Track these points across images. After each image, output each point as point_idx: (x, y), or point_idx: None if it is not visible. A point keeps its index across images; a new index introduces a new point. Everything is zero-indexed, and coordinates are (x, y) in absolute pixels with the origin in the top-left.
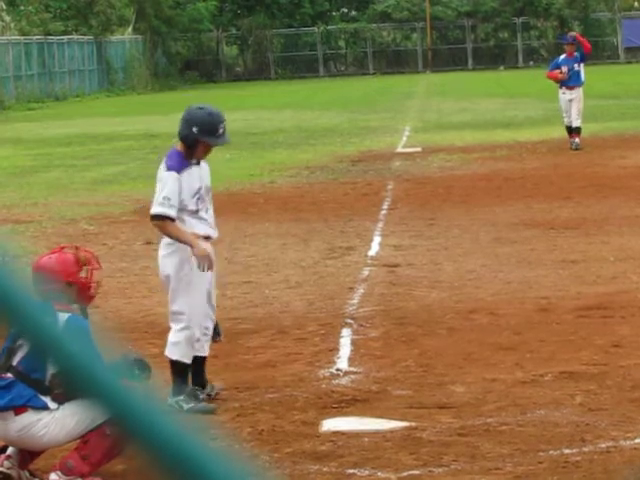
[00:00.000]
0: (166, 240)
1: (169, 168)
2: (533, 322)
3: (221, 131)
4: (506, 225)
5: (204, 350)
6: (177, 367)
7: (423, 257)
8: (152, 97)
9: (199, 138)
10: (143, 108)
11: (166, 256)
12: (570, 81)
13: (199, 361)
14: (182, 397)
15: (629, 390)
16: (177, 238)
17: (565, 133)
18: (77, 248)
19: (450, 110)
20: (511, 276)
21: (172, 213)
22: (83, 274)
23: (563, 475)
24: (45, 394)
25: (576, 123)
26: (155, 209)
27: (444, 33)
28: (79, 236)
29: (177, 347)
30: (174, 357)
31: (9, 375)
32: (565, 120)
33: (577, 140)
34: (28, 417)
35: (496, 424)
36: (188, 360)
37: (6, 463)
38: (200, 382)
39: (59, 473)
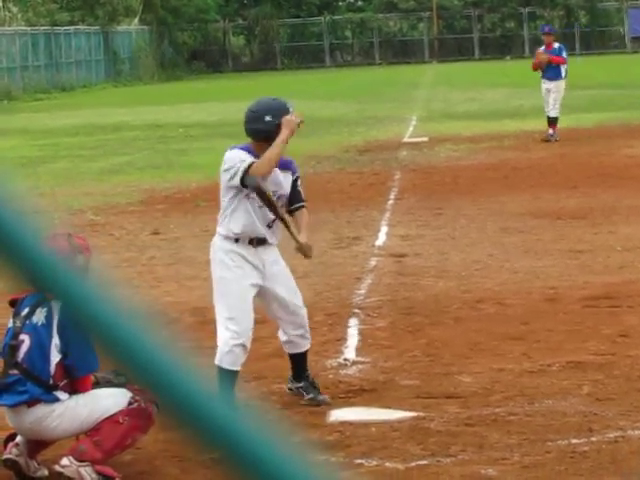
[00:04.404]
0: (212, 240)
1: (234, 147)
2: (540, 312)
3: (292, 110)
4: (513, 215)
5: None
6: (220, 373)
7: (430, 247)
8: (159, 87)
9: (277, 122)
10: (150, 98)
11: (211, 256)
12: (548, 73)
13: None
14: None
15: (637, 380)
16: (276, 153)
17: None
18: (70, 235)
19: (457, 100)
20: (518, 266)
21: (247, 163)
22: (78, 262)
23: (571, 465)
24: (52, 390)
25: (552, 113)
26: (239, 176)
27: (450, 23)
28: (86, 226)
29: (218, 352)
30: (216, 362)
31: (16, 372)
32: (545, 109)
33: (551, 131)
34: (41, 409)
35: (504, 414)
36: (229, 367)
37: (14, 451)
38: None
39: (71, 458)
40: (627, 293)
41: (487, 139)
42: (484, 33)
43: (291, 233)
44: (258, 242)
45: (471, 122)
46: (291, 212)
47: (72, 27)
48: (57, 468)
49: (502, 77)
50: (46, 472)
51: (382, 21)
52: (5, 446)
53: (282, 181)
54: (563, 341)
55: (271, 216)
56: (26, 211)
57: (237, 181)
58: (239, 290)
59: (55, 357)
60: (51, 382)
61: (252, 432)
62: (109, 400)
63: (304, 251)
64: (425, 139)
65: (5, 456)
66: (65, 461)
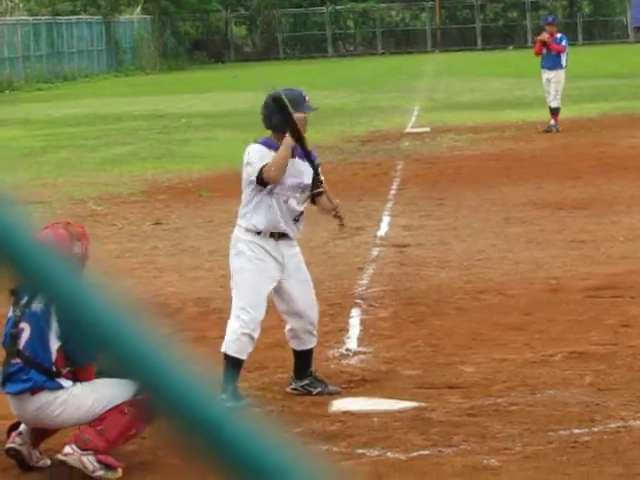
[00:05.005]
0: (233, 232)
1: (256, 142)
2: (542, 302)
3: (307, 98)
4: (515, 205)
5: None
6: (225, 361)
7: (432, 237)
8: (161, 77)
9: (292, 114)
10: (152, 88)
11: (231, 247)
12: (548, 62)
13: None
14: (224, 396)
15: (639, 370)
16: (283, 157)
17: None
18: (68, 224)
19: (459, 90)
20: (520, 256)
21: (261, 164)
22: (76, 249)
23: (573, 455)
24: (55, 377)
25: (553, 104)
26: (252, 177)
27: (453, 12)
28: (88, 216)
29: (225, 340)
30: (222, 349)
31: (18, 360)
32: (547, 100)
33: (552, 122)
34: (45, 396)
35: (506, 404)
36: (235, 354)
37: (17, 440)
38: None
39: (74, 446)
40: (629, 283)
41: (489, 129)
42: (486, 23)
43: (322, 185)
44: (279, 236)
45: (473, 112)
46: (313, 198)
47: (74, 17)
48: (60, 456)
49: (505, 67)
50: (48, 462)
51: (384, 11)
52: (8, 435)
53: (303, 170)
54: (565, 331)
55: (298, 208)
56: (15, 209)
57: (254, 180)
58: (255, 281)
59: (55, 344)
60: (53, 369)
61: (242, 430)
62: (114, 390)
63: (339, 212)
64: (427, 129)
65: (8, 445)
66: (68, 449)
